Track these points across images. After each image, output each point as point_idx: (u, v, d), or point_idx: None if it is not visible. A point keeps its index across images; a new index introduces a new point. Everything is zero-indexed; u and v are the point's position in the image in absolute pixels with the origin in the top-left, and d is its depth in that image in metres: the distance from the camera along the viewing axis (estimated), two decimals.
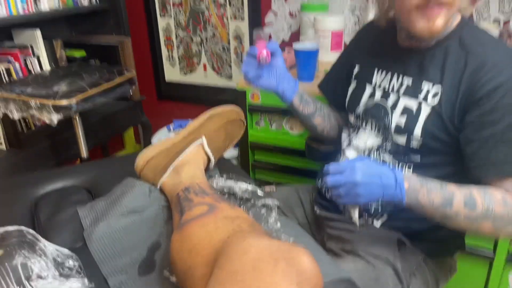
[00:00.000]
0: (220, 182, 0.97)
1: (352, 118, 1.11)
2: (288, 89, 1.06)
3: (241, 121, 1.11)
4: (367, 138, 1.04)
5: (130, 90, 1.83)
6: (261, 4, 2.20)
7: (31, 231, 0.78)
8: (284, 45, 2.22)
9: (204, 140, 1.02)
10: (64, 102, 1.52)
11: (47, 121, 1.53)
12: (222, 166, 1.12)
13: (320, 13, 1.93)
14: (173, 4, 2.43)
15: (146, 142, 2.51)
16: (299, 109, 1.12)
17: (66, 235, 0.91)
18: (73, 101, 1.53)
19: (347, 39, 2.03)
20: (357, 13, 2.02)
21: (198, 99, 2.60)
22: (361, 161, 0.83)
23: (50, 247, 0.77)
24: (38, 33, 2.02)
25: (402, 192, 0.82)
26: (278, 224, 0.84)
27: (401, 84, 0.97)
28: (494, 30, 1.68)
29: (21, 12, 1.91)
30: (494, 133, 0.84)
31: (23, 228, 0.77)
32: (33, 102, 1.51)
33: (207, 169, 1.05)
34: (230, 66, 2.42)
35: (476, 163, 0.87)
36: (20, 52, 1.97)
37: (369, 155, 1.03)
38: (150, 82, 2.71)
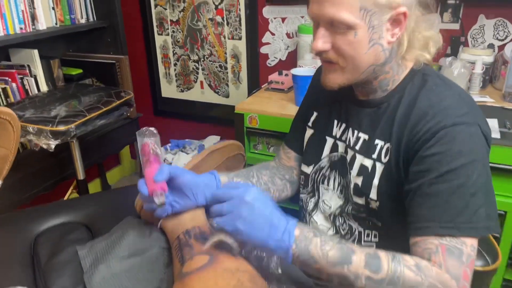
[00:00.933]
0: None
1: (309, 171, 1.04)
2: (208, 188, 0.93)
3: (241, 155, 1.12)
4: (330, 199, 0.99)
5: (128, 112, 1.83)
6: (258, 24, 2.22)
7: None
8: (281, 65, 2.24)
9: None
10: (62, 128, 1.52)
11: (45, 147, 1.53)
12: None
13: None
14: (171, 22, 2.44)
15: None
16: None
17: (66, 278, 0.90)
18: (71, 127, 1.53)
19: None
20: None
21: (196, 116, 2.61)
22: (254, 194, 0.74)
23: None
24: (35, 52, 2.02)
25: (291, 237, 0.73)
26: (279, 270, 0.83)
27: (357, 141, 0.92)
28: (488, 57, 1.70)
29: (18, 31, 1.91)
30: (421, 185, 0.77)
31: None
32: (30, 127, 1.51)
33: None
34: (227, 85, 2.43)
35: (408, 219, 0.79)
36: (17, 72, 1.97)
37: (334, 221, 0.99)
38: (147, 99, 2.72)
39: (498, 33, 1.79)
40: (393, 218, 0.88)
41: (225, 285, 0.68)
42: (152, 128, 0.86)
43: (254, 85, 2.34)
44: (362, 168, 0.90)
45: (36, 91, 2.02)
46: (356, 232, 0.95)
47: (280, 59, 2.25)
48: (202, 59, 2.44)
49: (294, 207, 1.40)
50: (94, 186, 2.73)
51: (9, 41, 1.87)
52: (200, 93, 2.54)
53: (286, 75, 1.88)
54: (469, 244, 0.74)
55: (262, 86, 1.91)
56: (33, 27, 1.97)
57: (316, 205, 1.04)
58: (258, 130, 1.72)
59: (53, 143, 1.52)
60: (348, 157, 0.94)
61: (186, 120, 2.65)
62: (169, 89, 2.63)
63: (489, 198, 0.79)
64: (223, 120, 2.48)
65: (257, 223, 0.73)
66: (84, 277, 0.87)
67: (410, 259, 0.73)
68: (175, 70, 2.55)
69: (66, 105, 1.67)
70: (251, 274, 0.73)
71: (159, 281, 0.86)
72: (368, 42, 0.78)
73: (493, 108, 1.57)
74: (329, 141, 1.00)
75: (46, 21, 2.02)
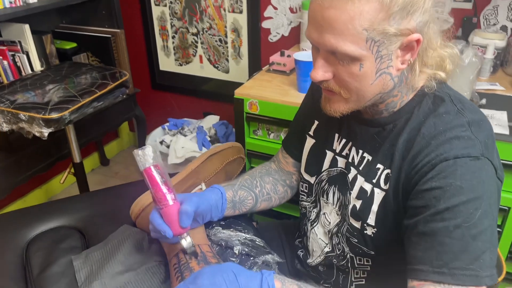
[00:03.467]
0: (219, 232, 0.94)
1: (313, 181, 1.00)
2: (216, 210, 0.92)
3: (241, 158, 1.08)
4: (330, 213, 0.96)
5: (124, 94, 1.77)
6: None
7: None
8: (283, 42, 2.15)
9: (203, 186, 0.99)
10: (55, 115, 1.46)
11: (38, 135, 1.48)
12: None
13: None
14: None
15: (141, 135, 2.47)
16: (236, 213, 0.99)
17: None
18: (65, 114, 1.48)
19: None
20: None
21: (194, 91, 2.54)
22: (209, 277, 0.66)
23: None
24: (26, 27, 1.93)
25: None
26: None
27: (362, 160, 0.86)
28: (500, 41, 1.62)
29: (7, 5, 1.83)
30: (417, 222, 0.71)
31: None
32: (22, 115, 1.46)
33: None
34: (227, 60, 2.35)
35: (406, 259, 0.73)
36: (8, 49, 1.89)
37: (332, 238, 0.96)
38: (145, 72, 2.64)
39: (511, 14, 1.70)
40: (388, 247, 0.84)
41: None
42: (149, 147, 0.80)
43: (255, 61, 2.27)
44: (362, 192, 0.85)
45: (28, 69, 1.95)
46: (348, 256, 0.93)
47: (282, 35, 2.16)
48: (201, 32, 2.35)
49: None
50: (92, 161, 2.72)
51: None
52: (199, 68, 2.46)
53: (289, 56, 1.80)
54: None
55: (263, 68, 1.83)
56: (23, 0, 1.87)
57: (317, 216, 1.01)
58: (258, 116, 1.66)
59: (46, 131, 1.48)
60: (350, 176, 0.89)
61: (185, 95, 2.59)
62: (167, 63, 2.55)
63: (493, 242, 0.70)
64: (222, 96, 2.42)
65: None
66: None
67: None
68: (173, 43, 2.46)
69: (59, 89, 1.60)
70: None
71: None
72: (375, 73, 0.71)
73: (503, 98, 1.50)
74: (329, 155, 0.95)
75: None
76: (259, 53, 2.26)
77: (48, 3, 1.96)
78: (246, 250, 0.91)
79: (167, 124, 2.29)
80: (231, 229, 0.96)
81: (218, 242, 0.92)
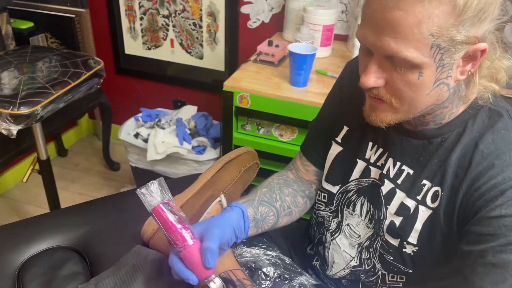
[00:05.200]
0: (245, 252, 0.86)
1: (335, 191, 0.94)
2: (240, 232, 0.84)
3: (256, 164, 1.00)
4: (357, 225, 0.90)
5: (98, 84, 1.60)
6: None
7: None
8: (263, 27, 2.05)
9: (223, 198, 0.90)
10: (25, 111, 1.29)
11: (5, 133, 1.30)
12: None
13: (309, 1, 1.78)
14: None
15: (106, 124, 2.29)
16: (258, 232, 0.92)
17: None
18: (36, 109, 1.31)
19: (337, 30, 1.91)
20: (345, 1, 1.89)
21: (164, 77, 2.39)
22: None
23: None
24: None
25: None
26: None
27: (399, 174, 0.81)
28: None
29: None
30: (485, 251, 0.66)
31: None
32: None
33: None
34: (202, 45, 2.21)
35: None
36: None
37: (361, 252, 0.91)
38: (108, 56, 2.44)
39: None
40: (428, 266, 0.79)
41: None
42: (154, 182, 0.69)
43: (232, 48, 2.16)
44: (403, 207, 0.79)
45: None
46: (380, 273, 0.88)
47: (262, 21, 2.06)
48: (174, 15, 2.19)
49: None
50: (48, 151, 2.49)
51: None
52: (170, 52, 2.31)
53: (277, 46, 1.71)
54: None
55: (251, 58, 1.73)
56: None
57: (338, 226, 0.95)
58: (249, 110, 1.57)
59: (14, 129, 1.30)
60: (385, 189, 0.83)
61: (153, 81, 2.43)
62: (133, 46, 2.37)
63: None
64: (195, 83, 2.30)
65: None
66: None
67: None
68: (141, 24, 2.28)
69: (26, 79, 1.41)
70: None
71: None
72: (433, 83, 0.65)
73: None
74: (360, 165, 0.89)
75: None
76: (237, 40, 2.14)
77: None
78: (279, 272, 0.83)
79: (140, 114, 2.12)
80: (257, 247, 0.89)
81: (246, 264, 0.84)
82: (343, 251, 0.94)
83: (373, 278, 0.90)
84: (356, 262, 0.92)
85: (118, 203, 1.02)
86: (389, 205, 0.82)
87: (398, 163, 0.81)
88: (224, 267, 0.79)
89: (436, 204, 0.75)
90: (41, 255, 0.90)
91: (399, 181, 0.81)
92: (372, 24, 0.63)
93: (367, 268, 0.90)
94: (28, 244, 0.91)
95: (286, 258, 0.89)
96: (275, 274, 0.83)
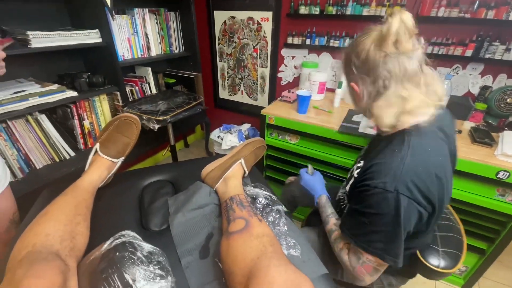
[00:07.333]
0: (250, 189, 0.87)
1: None
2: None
3: (263, 147, 1.00)
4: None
5: (200, 109, 1.71)
6: (278, 59, 2.03)
7: (133, 242, 0.60)
8: (289, 85, 2.06)
9: (242, 160, 0.92)
10: (162, 118, 1.42)
11: (152, 128, 1.43)
12: (251, 175, 1.02)
13: (313, 69, 1.76)
14: (226, 54, 2.25)
15: (207, 132, 2.40)
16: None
17: (158, 219, 0.82)
18: (167, 118, 1.43)
19: (328, 85, 1.86)
20: (334, 70, 1.84)
21: (237, 109, 2.47)
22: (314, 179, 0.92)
23: (145, 247, 0.62)
24: (149, 69, 1.89)
25: (316, 201, 0.88)
26: (285, 228, 0.75)
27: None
28: None
29: (139, 56, 1.79)
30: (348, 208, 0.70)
31: (126, 239, 0.60)
32: (144, 116, 1.42)
33: (243, 178, 0.95)
34: (257, 94, 2.27)
35: None
36: (138, 80, 1.86)
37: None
38: (211, 98, 2.58)
39: None
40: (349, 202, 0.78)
41: (255, 248, 0.58)
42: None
43: (272, 95, 2.18)
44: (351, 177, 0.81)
45: (149, 92, 1.91)
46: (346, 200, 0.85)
47: (289, 81, 2.07)
48: (244, 78, 2.27)
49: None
50: (180, 144, 2.67)
51: (135, 62, 1.75)
52: (241, 97, 2.39)
53: (292, 92, 1.71)
54: (365, 256, 0.62)
55: (278, 99, 1.75)
56: (148, 54, 1.84)
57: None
58: (274, 125, 1.59)
59: (156, 126, 1.43)
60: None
61: (232, 112, 2.52)
62: (223, 93, 2.48)
63: (390, 243, 0.59)
64: (252, 113, 2.35)
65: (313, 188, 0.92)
66: (169, 219, 0.80)
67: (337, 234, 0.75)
68: (228, 82, 2.39)
69: (165, 103, 1.56)
70: (270, 237, 0.63)
71: (213, 227, 0.78)
72: None
73: None
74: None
75: (155, 50, 1.88)
76: (275, 91, 2.17)
77: (161, 56, 1.92)
78: (266, 201, 0.84)
79: (221, 127, 2.22)
80: (257, 188, 0.89)
81: (250, 195, 0.86)
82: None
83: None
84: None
85: (195, 163, 1.05)
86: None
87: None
88: (235, 192, 0.81)
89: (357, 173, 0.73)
90: (153, 183, 0.97)
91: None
92: None
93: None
94: (148, 177, 0.98)
95: (273, 196, 0.88)
96: (264, 202, 0.83)
